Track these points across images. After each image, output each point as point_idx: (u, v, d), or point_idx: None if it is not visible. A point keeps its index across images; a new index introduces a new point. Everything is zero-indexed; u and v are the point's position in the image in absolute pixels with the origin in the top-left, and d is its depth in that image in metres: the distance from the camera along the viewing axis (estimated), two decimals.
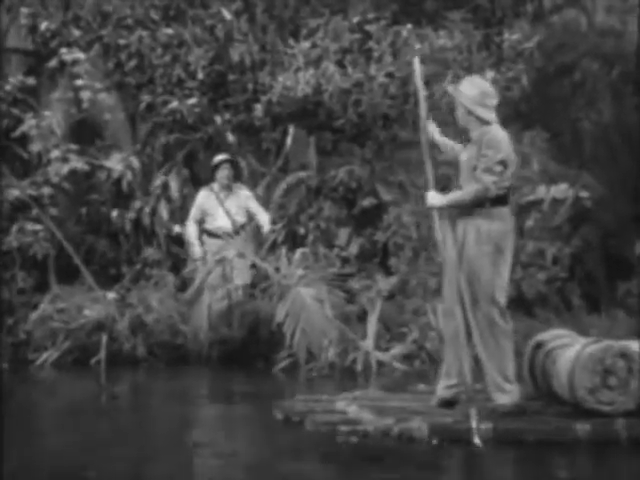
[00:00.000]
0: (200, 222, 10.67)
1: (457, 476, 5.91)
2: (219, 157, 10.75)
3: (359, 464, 5.89)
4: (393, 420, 6.28)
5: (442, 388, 6.73)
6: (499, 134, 6.53)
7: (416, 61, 6.98)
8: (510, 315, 6.56)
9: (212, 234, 10.53)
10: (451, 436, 6.14)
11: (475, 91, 6.59)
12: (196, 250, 10.53)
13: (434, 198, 6.55)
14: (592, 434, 6.10)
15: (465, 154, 6.69)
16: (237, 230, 10.45)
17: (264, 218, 10.65)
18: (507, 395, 6.41)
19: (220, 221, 10.52)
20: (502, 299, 6.50)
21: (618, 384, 6.22)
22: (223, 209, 10.54)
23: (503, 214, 6.53)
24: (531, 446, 6.04)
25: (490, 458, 5.98)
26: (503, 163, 6.41)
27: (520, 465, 5.93)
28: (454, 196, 6.57)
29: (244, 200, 10.68)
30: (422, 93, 6.83)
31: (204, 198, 10.67)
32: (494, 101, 6.64)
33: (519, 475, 5.85)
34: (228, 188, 10.66)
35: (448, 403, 6.67)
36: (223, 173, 10.64)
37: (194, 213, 10.69)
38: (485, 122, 6.54)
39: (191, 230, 10.66)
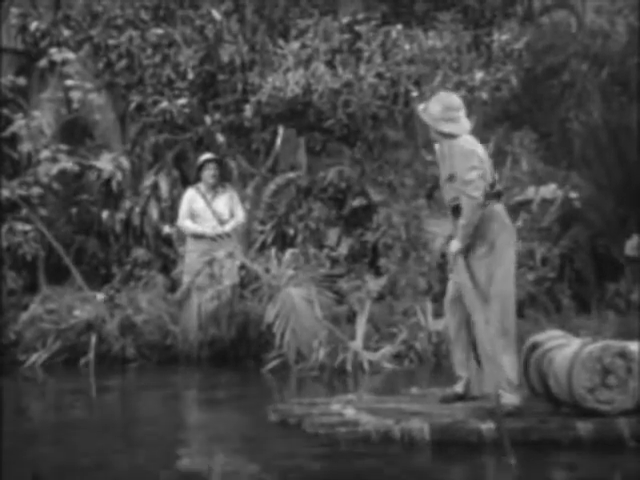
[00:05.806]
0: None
1: (460, 476, 5.90)
2: (204, 156, 10.65)
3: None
4: (393, 421, 6.27)
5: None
6: (466, 144, 6.49)
7: None
8: (514, 315, 6.52)
9: (198, 236, 10.33)
10: (453, 436, 6.14)
11: (437, 107, 6.58)
12: (200, 229, 10.30)
13: (452, 245, 6.55)
14: (595, 433, 6.09)
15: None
16: (222, 235, 10.27)
17: (239, 215, 10.55)
18: (507, 396, 6.41)
19: (208, 222, 10.32)
20: (503, 299, 6.43)
21: (617, 383, 6.21)
22: (211, 210, 10.39)
23: (493, 212, 6.49)
24: (535, 445, 6.03)
25: (494, 458, 5.97)
26: (474, 168, 6.38)
27: (525, 465, 5.92)
28: (460, 230, 6.48)
29: (229, 200, 10.55)
30: None
31: (191, 198, 10.50)
32: (460, 113, 6.61)
33: (523, 475, 5.84)
34: (214, 188, 10.53)
35: (454, 398, 6.71)
36: (209, 172, 10.50)
37: (184, 210, 10.48)
38: (450, 136, 6.54)
39: (187, 224, 10.42)
